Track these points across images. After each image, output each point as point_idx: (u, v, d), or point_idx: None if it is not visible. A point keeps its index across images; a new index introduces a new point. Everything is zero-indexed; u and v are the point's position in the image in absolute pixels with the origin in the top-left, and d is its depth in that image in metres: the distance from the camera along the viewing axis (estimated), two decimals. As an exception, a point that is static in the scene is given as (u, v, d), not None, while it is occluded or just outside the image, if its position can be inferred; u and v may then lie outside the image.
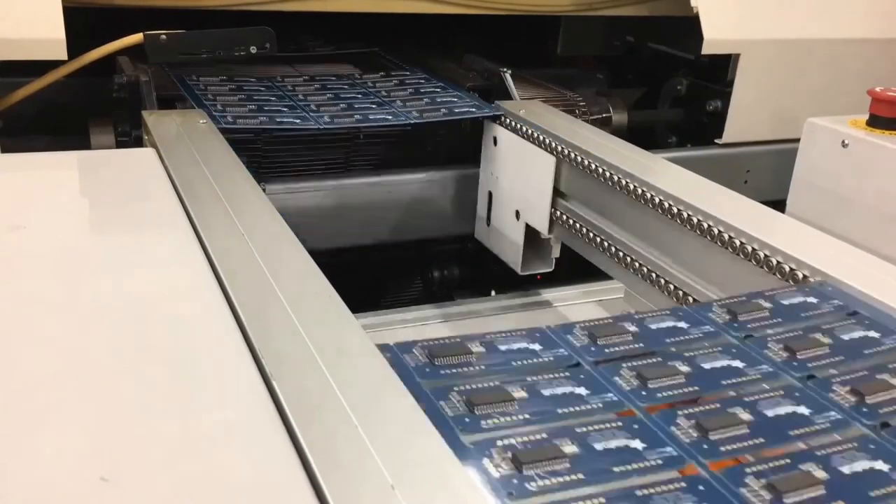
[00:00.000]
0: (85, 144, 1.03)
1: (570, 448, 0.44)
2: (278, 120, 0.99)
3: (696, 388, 0.51)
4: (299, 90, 1.11)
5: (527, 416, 0.47)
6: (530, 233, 0.99)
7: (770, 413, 0.50)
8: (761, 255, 0.70)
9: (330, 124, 1.00)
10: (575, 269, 1.04)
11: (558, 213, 0.97)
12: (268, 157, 1.07)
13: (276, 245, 0.62)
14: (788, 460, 0.45)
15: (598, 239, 0.91)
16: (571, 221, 0.95)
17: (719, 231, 0.75)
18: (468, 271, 1.28)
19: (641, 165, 0.87)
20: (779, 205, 1.13)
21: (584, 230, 0.93)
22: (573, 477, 0.42)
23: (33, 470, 0.39)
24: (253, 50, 1.04)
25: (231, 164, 0.78)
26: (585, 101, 1.25)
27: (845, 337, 0.58)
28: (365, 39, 1.40)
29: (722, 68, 1.29)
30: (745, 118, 1.30)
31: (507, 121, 1.06)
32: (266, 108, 1.02)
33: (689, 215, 0.78)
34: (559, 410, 0.48)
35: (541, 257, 1.01)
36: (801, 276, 0.67)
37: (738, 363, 0.54)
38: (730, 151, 1.30)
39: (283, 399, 0.44)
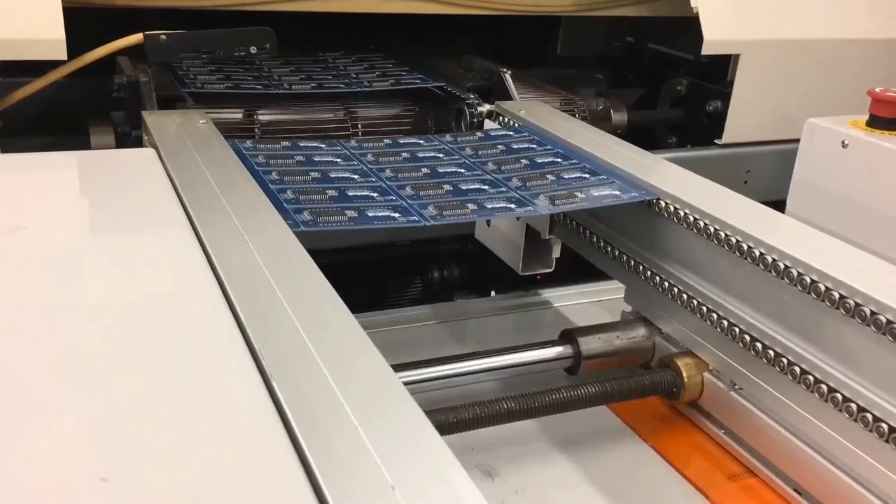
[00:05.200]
0: (85, 144, 1.03)
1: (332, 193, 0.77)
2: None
3: (429, 177, 0.83)
4: (265, 64, 1.10)
5: (314, 183, 0.78)
6: (530, 233, 0.99)
7: (463, 187, 0.81)
8: (757, 253, 0.70)
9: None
10: (575, 269, 1.04)
11: (559, 213, 0.97)
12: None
13: (275, 245, 0.62)
14: (459, 202, 0.78)
15: (599, 239, 0.91)
16: (572, 222, 0.95)
17: (716, 230, 0.75)
18: (468, 271, 1.28)
19: (641, 165, 0.87)
20: (779, 205, 1.14)
21: (585, 230, 0.93)
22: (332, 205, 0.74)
23: (33, 470, 0.39)
24: (253, 50, 1.04)
25: (231, 164, 0.78)
26: (585, 101, 1.25)
27: (538, 160, 0.90)
28: (365, 39, 1.40)
29: (722, 68, 1.29)
30: (745, 118, 1.29)
31: (508, 121, 1.06)
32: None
33: (686, 214, 0.78)
34: (332, 175, 0.81)
35: (541, 257, 1.01)
36: (795, 273, 0.67)
37: (461, 170, 0.86)
38: (730, 151, 1.30)
39: (282, 399, 0.44)
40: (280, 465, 0.40)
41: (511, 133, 1.00)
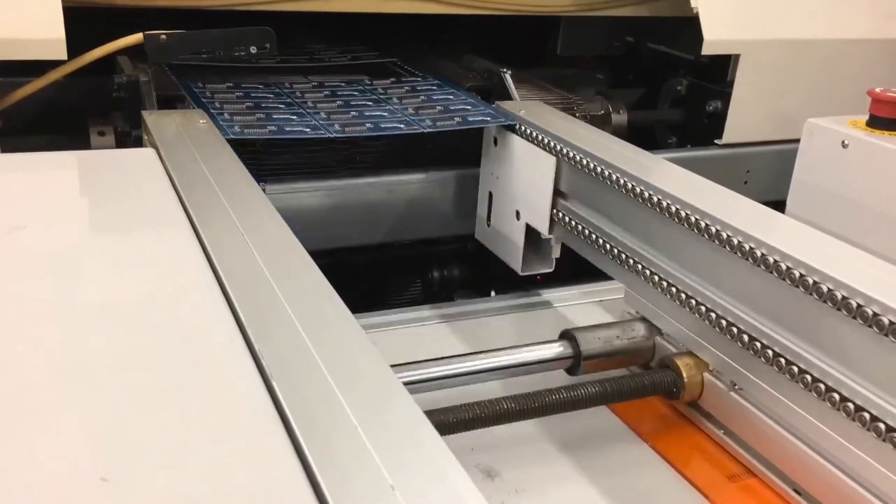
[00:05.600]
0: (85, 144, 1.03)
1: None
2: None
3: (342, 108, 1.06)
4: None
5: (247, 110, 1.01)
6: (531, 233, 0.99)
7: (367, 113, 1.04)
8: (758, 253, 0.70)
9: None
10: (575, 270, 1.04)
11: (558, 213, 0.97)
12: (267, 157, 1.07)
13: (275, 245, 0.62)
14: (360, 123, 1.01)
15: (599, 239, 0.91)
16: (572, 222, 0.95)
17: (716, 230, 0.75)
18: (468, 271, 1.28)
19: (641, 165, 0.87)
20: (779, 205, 1.13)
21: (585, 230, 0.93)
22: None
23: (34, 470, 0.39)
24: (253, 50, 1.04)
25: (231, 164, 0.78)
26: (585, 101, 1.25)
27: (434, 97, 1.11)
28: (364, 39, 1.40)
29: (722, 68, 1.29)
30: (745, 118, 1.29)
31: (507, 121, 1.07)
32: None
33: (687, 215, 0.78)
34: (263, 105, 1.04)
35: (541, 257, 1.01)
36: (797, 274, 0.67)
37: (369, 103, 1.08)
38: (730, 152, 1.30)
39: (282, 399, 0.44)
40: (280, 465, 0.40)
41: (419, 79, 1.22)
